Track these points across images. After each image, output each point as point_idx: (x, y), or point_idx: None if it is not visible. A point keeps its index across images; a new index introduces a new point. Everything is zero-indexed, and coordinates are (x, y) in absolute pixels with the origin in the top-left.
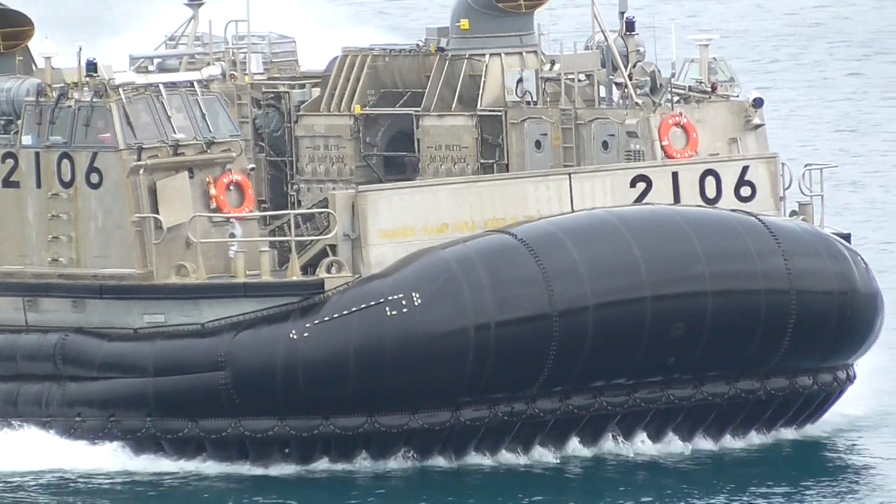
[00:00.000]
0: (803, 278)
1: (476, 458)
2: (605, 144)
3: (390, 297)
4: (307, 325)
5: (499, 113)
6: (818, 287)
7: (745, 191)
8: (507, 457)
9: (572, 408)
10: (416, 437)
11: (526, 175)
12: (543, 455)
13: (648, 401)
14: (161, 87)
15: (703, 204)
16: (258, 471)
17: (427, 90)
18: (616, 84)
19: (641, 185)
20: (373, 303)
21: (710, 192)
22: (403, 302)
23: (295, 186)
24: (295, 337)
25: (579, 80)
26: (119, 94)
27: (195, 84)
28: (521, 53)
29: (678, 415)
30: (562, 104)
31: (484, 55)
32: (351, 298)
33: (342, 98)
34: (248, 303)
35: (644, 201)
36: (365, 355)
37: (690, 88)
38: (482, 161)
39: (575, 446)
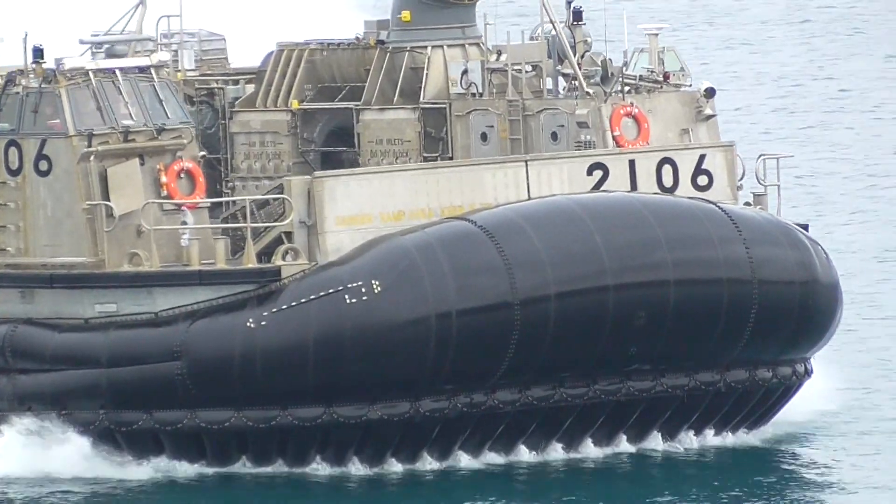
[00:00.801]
0: (764, 267)
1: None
2: (553, 135)
3: (349, 285)
4: (265, 314)
5: (443, 105)
6: (780, 277)
7: (702, 180)
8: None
9: (531, 399)
10: (373, 429)
11: (483, 162)
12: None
13: (608, 392)
14: (114, 72)
15: (660, 192)
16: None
17: (367, 84)
18: (563, 75)
19: (598, 173)
20: (332, 290)
21: (667, 180)
22: (363, 290)
23: (230, 184)
24: (252, 326)
25: (526, 71)
26: (69, 80)
27: (145, 70)
28: (463, 45)
29: (635, 409)
30: (509, 95)
31: (426, 47)
32: (309, 286)
33: (279, 93)
34: (202, 291)
35: (601, 189)
36: (324, 344)
37: (641, 78)
38: (425, 155)
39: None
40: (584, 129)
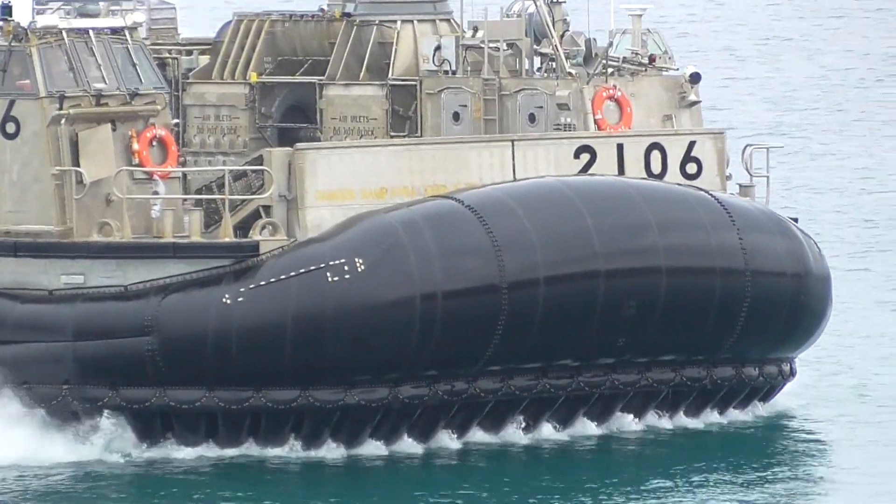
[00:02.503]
0: (757, 257)
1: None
2: (531, 117)
3: (331, 262)
4: (241, 290)
5: (413, 83)
6: (772, 267)
7: (691, 167)
8: (442, 440)
9: (514, 389)
10: (350, 414)
11: (469, 140)
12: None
13: (593, 385)
14: (87, 32)
15: (648, 178)
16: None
17: (332, 58)
18: (541, 54)
19: (585, 156)
20: (313, 268)
21: (656, 166)
22: (346, 268)
23: (181, 159)
24: (228, 302)
25: (499, 49)
26: (40, 39)
27: (118, 31)
28: (434, 21)
29: (620, 401)
30: (485, 74)
31: (395, 22)
32: (289, 262)
33: (236, 65)
34: (175, 264)
35: (588, 173)
36: (303, 323)
37: (625, 60)
38: (392, 134)
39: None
40: (565, 112)
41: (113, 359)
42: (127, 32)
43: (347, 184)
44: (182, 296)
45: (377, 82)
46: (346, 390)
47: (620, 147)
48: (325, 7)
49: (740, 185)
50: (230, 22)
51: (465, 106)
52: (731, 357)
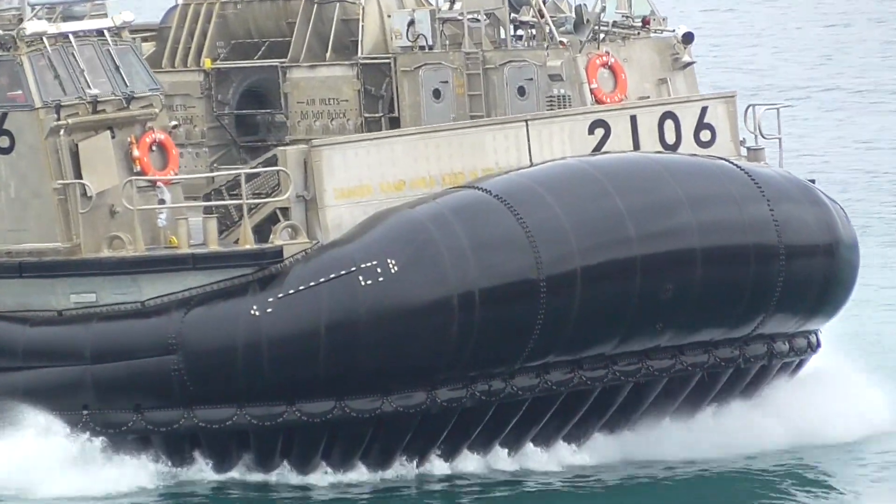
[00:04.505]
0: (789, 230)
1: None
2: (521, 90)
3: (363, 265)
4: (269, 300)
5: (386, 60)
6: (805, 240)
7: (705, 135)
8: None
9: (551, 384)
10: (386, 423)
11: (483, 123)
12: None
13: (628, 374)
14: (78, 36)
15: (664, 150)
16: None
17: (294, 39)
18: (521, 23)
19: (600, 132)
20: (343, 272)
21: (670, 136)
22: (378, 270)
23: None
24: (257, 313)
25: (479, 21)
26: (30, 47)
27: (107, 32)
28: None
29: (654, 390)
30: (465, 47)
31: None
32: (318, 267)
33: (187, 52)
34: (195, 276)
35: (603, 149)
36: (338, 331)
37: (616, 24)
38: (366, 115)
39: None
40: (558, 83)
41: (136, 380)
42: (117, 33)
43: (365, 179)
44: (206, 309)
45: (346, 62)
46: (382, 398)
47: (634, 119)
48: None
49: (748, 149)
50: (175, 6)
51: (446, 82)
52: (763, 334)
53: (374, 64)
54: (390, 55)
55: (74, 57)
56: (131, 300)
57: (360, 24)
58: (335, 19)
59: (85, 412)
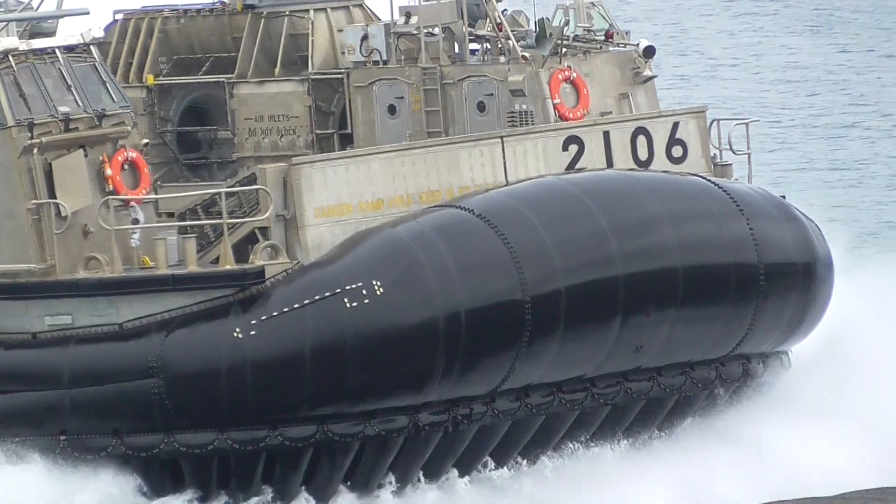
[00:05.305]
0: (768, 248)
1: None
2: (480, 106)
3: (348, 287)
4: (253, 322)
5: (337, 76)
6: (783, 258)
7: (677, 150)
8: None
9: (530, 407)
10: (368, 446)
11: (458, 140)
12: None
13: (607, 396)
14: (50, 52)
15: (637, 167)
16: None
17: (240, 54)
18: (477, 37)
19: (574, 148)
20: (328, 294)
21: (642, 153)
22: (364, 291)
23: None
24: (240, 336)
25: (434, 35)
26: (2, 63)
27: (74, 48)
28: (347, 7)
29: (631, 413)
30: (422, 62)
31: (307, 11)
32: (301, 289)
33: (129, 68)
34: (173, 297)
35: (577, 165)
36: (323, 354)
37: (577, 38)
38: (317, 132)
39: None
40: (519, 98)
41: (114, 405)
42: (84, 49)
43: (344, 198)
44: (188, 332)
45: (296, 77)
46: (365, 422)
47: (607, 135)
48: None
49: (716, 164)
50: (115, 21)
51: (402, 98)
52: (741, 354)
53: (324, 79)
54: (343, 70)
55: (45, 74)
56: (108, 322)
57: (310, 38)
58: (283, 34)
59: (62, 437)
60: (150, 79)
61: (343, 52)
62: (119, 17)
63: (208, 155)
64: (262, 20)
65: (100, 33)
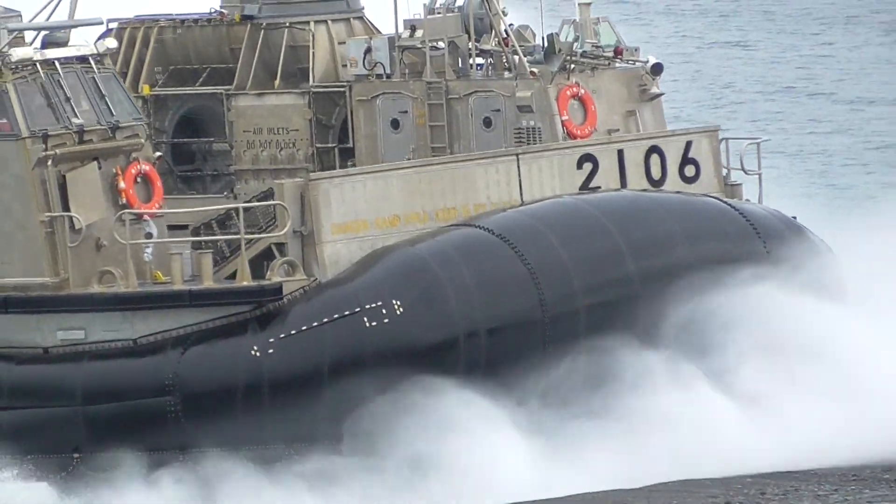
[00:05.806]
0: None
1: None
2: (487, 122)
3: (367, 306)
4: (271, 340)
5: (338, 89)
6: None
7: (689, 170)
8: None
9: None
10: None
11: (474, 157)
12: None
13: None
14: (64, 63)
15: (650, 187)
16: None
17: (239, 65)
18: (482, 51)
19: (588, 166)
20: (347, 312)
21: (656, 172)
22: (384, 311)
23: None
24: (258, 354)
25: (438, 49)
26: (15, 74)
27: (87, 59)
28: (348, 20)
29: None
30: (427, 76)
31: (308, 23)
32: (320, 307)
33: (124, 78)
34: (189, 314)
35: (591, 184)
36: (342, 374)
37: (584, 54)
38: (318, 146)
39: None
40: (527, 114)
41: (129, 422)
42: (98, 60)
43: (361, 214)
44: (205, 349)
45: (296, 90)
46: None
47: (621, 153)
48: (224, 10)
49: (727, 184)
50: (110, 30)
51: (406, 112)
52: None
53: (325, 92)
54: (345, 83)
55: (59, 85)
56: (122, 337)
57: (311, 50)
58: (283, 46)
59: (76, 455)
60: (145, 89)
61: (345, 65)
62: (113, 26)
63: (203, 167)
64: (262, 31)
65: (114, 44)
